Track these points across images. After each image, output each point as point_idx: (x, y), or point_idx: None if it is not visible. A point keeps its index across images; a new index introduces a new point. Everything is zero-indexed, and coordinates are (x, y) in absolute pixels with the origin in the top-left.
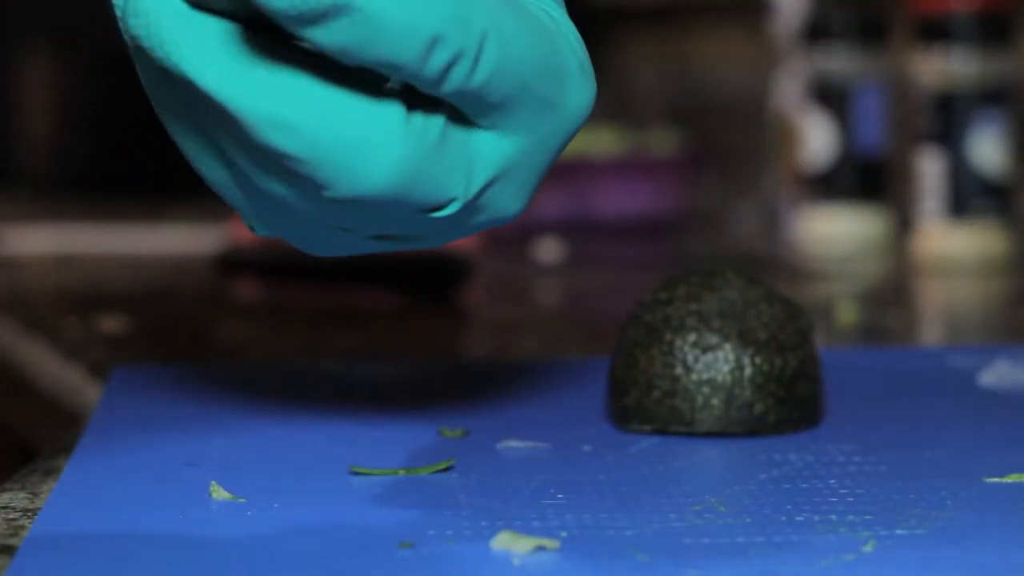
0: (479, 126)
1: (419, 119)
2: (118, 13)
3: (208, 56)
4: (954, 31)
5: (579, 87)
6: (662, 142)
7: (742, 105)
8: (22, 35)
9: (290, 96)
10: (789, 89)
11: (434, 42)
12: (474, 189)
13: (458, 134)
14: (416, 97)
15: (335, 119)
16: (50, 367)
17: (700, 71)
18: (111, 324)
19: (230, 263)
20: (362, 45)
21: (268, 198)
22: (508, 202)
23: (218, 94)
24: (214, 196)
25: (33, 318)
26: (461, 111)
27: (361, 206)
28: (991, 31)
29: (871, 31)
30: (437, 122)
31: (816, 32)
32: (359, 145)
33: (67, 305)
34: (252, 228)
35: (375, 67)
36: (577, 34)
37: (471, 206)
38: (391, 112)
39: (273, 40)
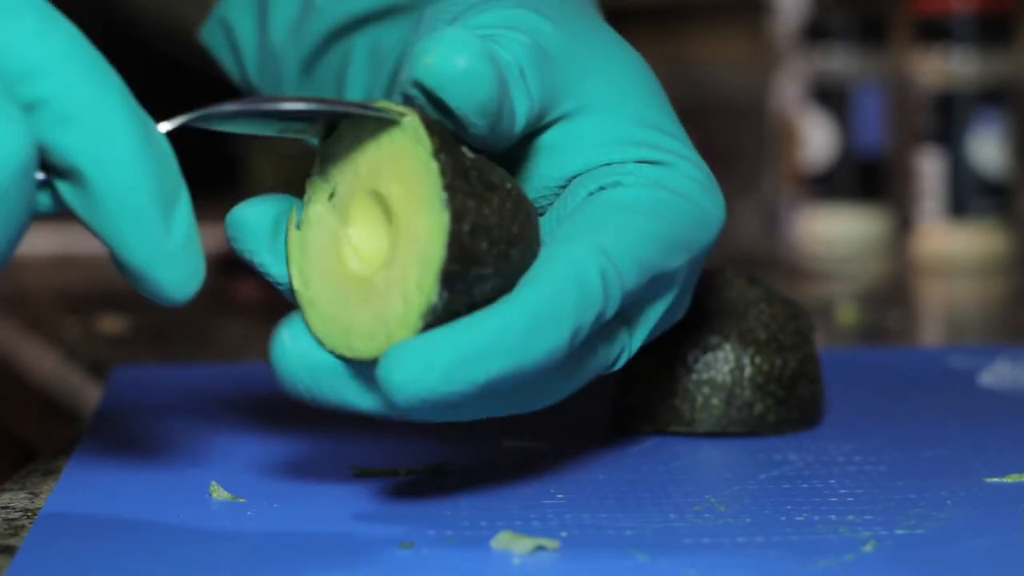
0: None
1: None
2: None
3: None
4: (954, 31)
5: (704, 228)
6: None
7: (742, 105)
8: None
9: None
10: (789, 89)
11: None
12: (627, 355)
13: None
14: None
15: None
16: (50, 367)
17: (700, 71)
18: (111, 324)
19: (230, 263)
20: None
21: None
22: (671, 319)
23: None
24: (214, 196)
25: (33, 318)
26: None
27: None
28: (991, 31)
29: (871, 31)
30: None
31: (816, 32)
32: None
33: (67, 305)
34: None
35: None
36: (694, 166)
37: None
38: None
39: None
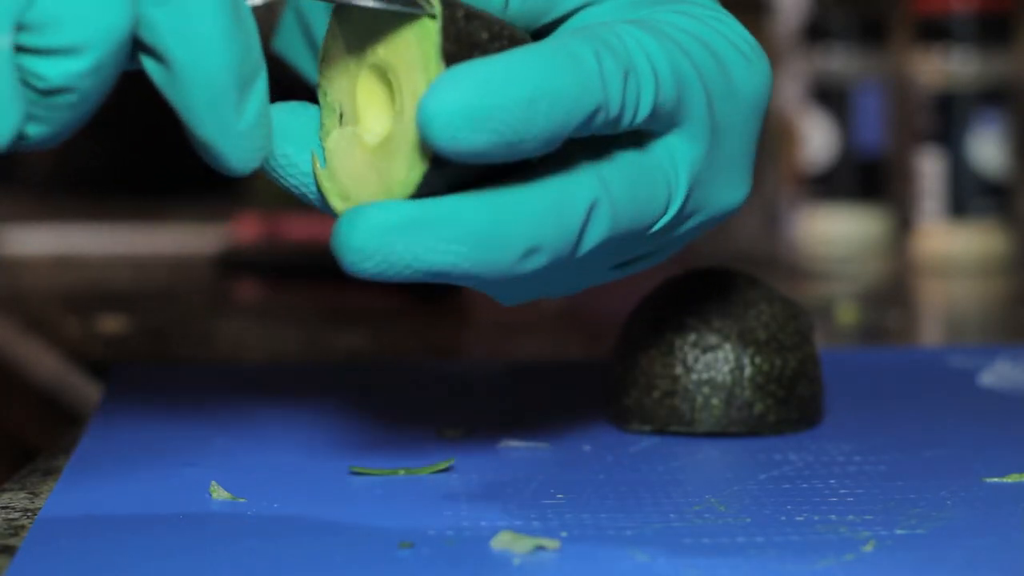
0: (662, 137)
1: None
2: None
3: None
4: (954, 31)
5: (748, 71)
6: None
7: None
8: None
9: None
10: (789, 89)
11: (626, 75)
12: (679, 199)
13: (647, 156)
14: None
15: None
16: (50, 367)
17: None
18: (111, 324)
19: (230, 263)
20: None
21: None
22: (724, 195)
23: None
24: (214, 196)
25: (33, 318)
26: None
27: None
28: (991, 31)
29: (871, 31)
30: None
31: (816, 32)
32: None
33: (67, 305)
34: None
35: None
36: (739, 26)
37: (685, 212)
38: (591, 180)
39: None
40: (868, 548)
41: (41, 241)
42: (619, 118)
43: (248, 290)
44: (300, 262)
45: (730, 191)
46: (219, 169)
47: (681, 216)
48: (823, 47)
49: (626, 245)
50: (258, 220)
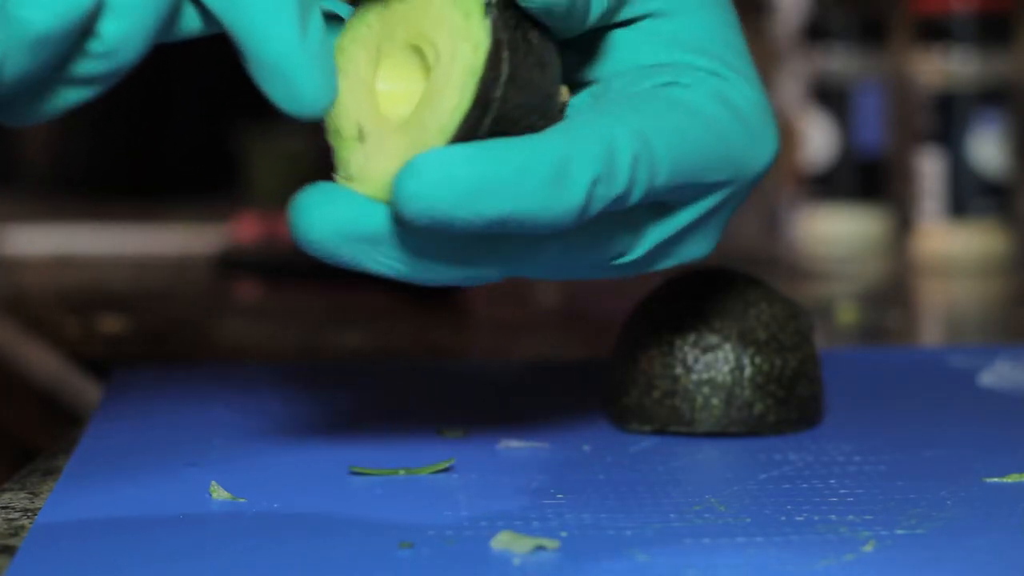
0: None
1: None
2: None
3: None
4: (954, 31)
5: (754, 154)
6: None
7: None
8: None
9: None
10: (789, 89)
11: (595, 182)
12: (637, 254)
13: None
14: None
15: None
16: (50, 367)
17: None
18: (111, 324)
19: (230, 263)
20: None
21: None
22: (689, 251)
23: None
24: (214, 196)
25: (33, 318)
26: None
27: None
28: (991, 31)
29: (871, 31)
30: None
31: (816, 32)
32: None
33: (67, 305)
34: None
35: None
36: (751, 90)
37: (646, 258)
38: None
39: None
40: (868, 548)
41: (41, 241)
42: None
43: (248, 290)
44: (300, 262)
45: (698, 247)
46: (289, 107)
47: (636, 263)
48: (823, 47)
49: (589, 268)
50: (258, 220)
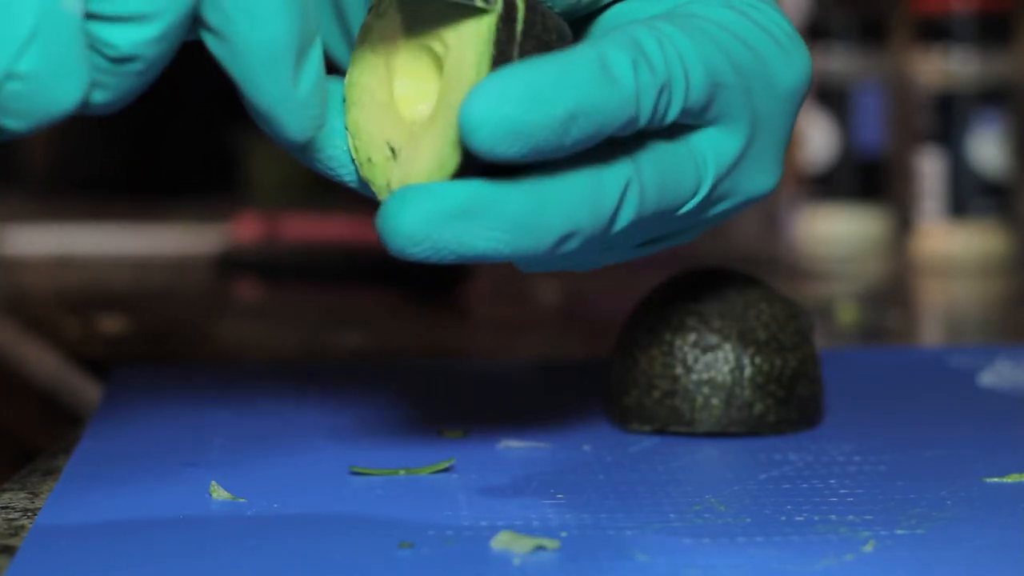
0: (696, 128)
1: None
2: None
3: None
4: (954, 31)
5: (786, 63)
6: None
7: None
8: None
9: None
10: None
11: (662, 90)
12: (707, 185)
13: (679, 143)
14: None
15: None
16: (50, 367)
17: None
18: (111, 324)
19: (230, 263)
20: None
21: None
22: (756, 182)
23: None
24: (214, 196)
25: (33, 318)
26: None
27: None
28: (991, 31)
29: (871, 31)
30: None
31: (816, 32)
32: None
33: (67, 305)
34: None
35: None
36: (777, 14)
37: (714, 196)
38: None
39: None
40: (868, 548)
41: (41, 241)
42: (646, 126)
43: (248, 290)
44: (300, 262)
45: (762, 178)
46: (277, 139)
47: (709, 200)
48: (823, 47)
49: (654, 225)
50: (258, 220)
